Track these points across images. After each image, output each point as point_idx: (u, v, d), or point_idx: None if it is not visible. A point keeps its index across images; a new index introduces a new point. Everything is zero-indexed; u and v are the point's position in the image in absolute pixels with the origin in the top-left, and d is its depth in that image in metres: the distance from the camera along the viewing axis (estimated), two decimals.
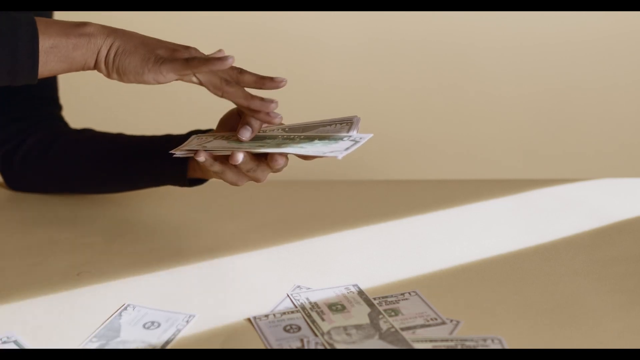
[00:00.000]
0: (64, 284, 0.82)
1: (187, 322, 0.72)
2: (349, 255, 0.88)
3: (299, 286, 0.80)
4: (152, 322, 0.72)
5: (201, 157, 0.81)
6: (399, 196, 1.11)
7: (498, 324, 0.73)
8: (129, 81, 0.80)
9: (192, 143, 0.85)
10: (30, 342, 0.70)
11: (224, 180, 0.84)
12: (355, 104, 1.82)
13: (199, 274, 0.84)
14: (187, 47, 0.82)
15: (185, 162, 0.93)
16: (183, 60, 0.79)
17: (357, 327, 0.71)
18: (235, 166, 0.82)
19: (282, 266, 0.86)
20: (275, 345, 0.69)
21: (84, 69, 0.81)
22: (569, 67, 1.98)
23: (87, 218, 1.01)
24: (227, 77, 0.81)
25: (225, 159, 0.82)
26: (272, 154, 0.80)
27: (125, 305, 0.75)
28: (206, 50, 0.83)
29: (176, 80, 0.80)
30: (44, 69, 0.79)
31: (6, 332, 0.71)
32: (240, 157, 0.79)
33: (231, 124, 0.87)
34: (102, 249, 0.91)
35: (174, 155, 0.84)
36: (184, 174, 0.94)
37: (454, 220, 1.00)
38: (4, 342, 0.70)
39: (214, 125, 0.91)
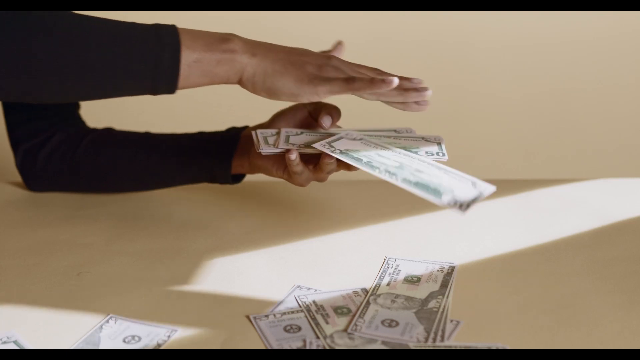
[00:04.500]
0: (64, 284, 0.82)
1: (169, 336, 0.71)
2: (349, 255, 0.88)
3: (299, 286, 0.80)
4: (133, 337, 0.71)
5: (293, 155, 0.82)
6: (399, 196, 1.11)
7: (498, 324, 0.73)
8: (279, 100, 0.81)
9: (274, 137, 0.86)
10: (30, 342, 0.70)
11: (292, 180, 0.87)
12: (355, 104, 1.82)
13: (198, 274, 0.84)
14: (329, 57, 0.82)
15: (230, 159, 0.95)
16: (342, 82, 0.79)
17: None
18: (314, 168, 0.85)
19: (282, 266, 0.86)
20: (275, 345, 0.69)
21: (225, 83, 0.81)
22: (569, 67, 1.98)
23: (87, 218, 1.01)
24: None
25: (303, 161, 0.84)
26: None
27: (107, 318, 0.74)
28: None
29: None
30: (185, 82, 0.79)
31: (6, 332, 0.71)
32: (330, 160, 0.82)
33: (296, 119, 0.89)
34: (102, 249, 0.91)
35: (263, 152, 0.85)
36: (228, 171, 0.95)
37: (454, 220, 1.00)
38: (4, 342, 0.70)
39: (229, 122, 0.92)
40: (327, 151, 0.80)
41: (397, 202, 1.07)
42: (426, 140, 0.86)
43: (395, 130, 0.89)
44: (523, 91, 2.00)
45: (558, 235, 0.93)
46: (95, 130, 1.07)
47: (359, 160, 0.79)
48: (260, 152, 0.85)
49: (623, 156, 2.00)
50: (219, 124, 1.02)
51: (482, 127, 1.98)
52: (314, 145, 0.80)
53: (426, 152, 0.83)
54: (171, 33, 0.78)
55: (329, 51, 0.89)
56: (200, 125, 1.05)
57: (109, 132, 1.06)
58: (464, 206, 0.72)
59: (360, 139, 0.83)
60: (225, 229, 0.97)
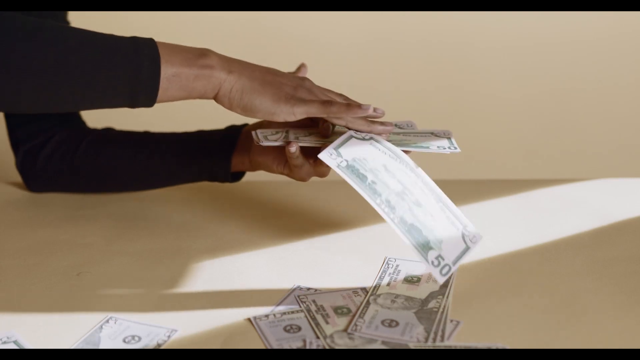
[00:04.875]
0: (64, 284, 0.82)
1: (169, 336, 0.71)
2: (349, 255, 0.88)
3: (299, 286, 0.80)
4: (133, 337, 0.71)
5: (293, 148, 0.83)
6: None
7: (498, 324, 0.73)
8: (255, 117, 0.82)
9: (276, 136, 0.86)
10: (30, 342, 0.70)
11: (293, 175, 0.88)
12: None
13: (198, 274, 0.84)
14: (302, 80, 0.84)
15: (229, 156, 0.95)
16: (320, 104, 0.80)
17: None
18: (314, 162, 0.85)
19: (282, 266, 0.86)
20: (275, 345, 0.69)
21: (201, 98, 0.82)
22: (569, 67, 1.98)
23: (87, 218, 1.01)
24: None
25: (303, 154, 0.85)
26: None
27: (107, 318, 0.74)
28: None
29: None
30: (164, 96, 0.79)
31: (6, 332, 0.71)
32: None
33: (282, 123, 0.89)
34: (102, 249, 0.91)
35: (263, 145, 0.85)
36: (228, 168, 0.96)
37: None
38: (4, 342, 0.69)
39: (228, 120, 0.93)
40: (333, 166, 0.79)
41: None
42: (435, 135, 0.87)
43: (397, 125, 0.90)
44: (523, 91, 2.00)
45: (558, 235, 0.93)
46: (95, 130, 1.07)
47: (362, 179, 0.77)
48: (261, 145, 0.85)
49: (623, 156, 2.00)
50: (218, 122, 1.02)
51: (482, 127, 1.98)
52: (319, 155, 0.80)
53: (438, 147, 0.84)
54: (150, 46, 0.78)
55: (294, 72, 0.91)
56: (200, 124, 1.06)
57: (108, 132, 1.06)
58: (444, 270, 0.74)
59: (370, 139, 0.82)
60: (225, 229, 0.97)
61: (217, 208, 1.04)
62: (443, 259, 0.75)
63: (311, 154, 0.85)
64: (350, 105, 0.80)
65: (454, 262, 0.76)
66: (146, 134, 1.03)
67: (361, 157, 0.80)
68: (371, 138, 0.82)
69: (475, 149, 1.96)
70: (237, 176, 0.99)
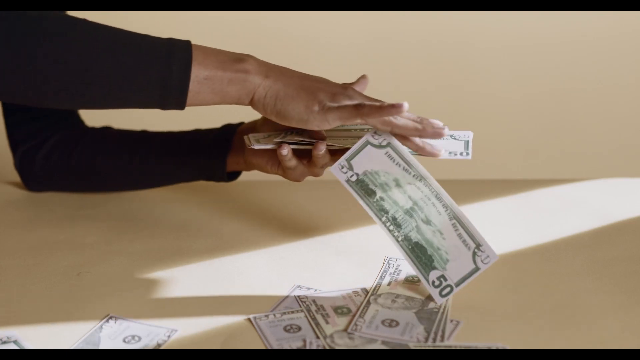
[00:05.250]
0: (64, 284, 0.82)
1: (169, 336, 0.71)
2: (349, 255, 0.88)
3: (299, 286, 0.80)
4: (133, 336, 0.71)
5: (284, 150, 0.82)
6: None
7: (498, 324, 0.73)
8: (289, 124, 0.80)
9: (267, 138, 0.85)
10: (30, 342, 0.70)
11: (287, 176, 0.87)
12: None
13: (199, 274, 0.84)
14: (345, 88, 0.81)
15: (225, 156, 0.95)
16: (352, 108, 0.77)
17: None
18: (308, 162, 0.84)
19: (282, 266, 0.86)
20: (275, 345, 0.69)
21: (236, 103, 0.81)
22: (569, 67, 1.98)
23: (87, 218, 1.01)
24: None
25: (296, 155, 0.84)
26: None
27: (107, 318, 0.74)
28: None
29: None
30: (195, 99, 0.78)
31: (6, 332, 0.71)
32: (323, 148, 0.81)
33: (276, 125, 0.87)
34: (102, 249, 0.91)
35: (254, 148, 0.84)
36: (224, 168, 0.96)
37: None
38: (4, 342, 0.69)
39: (226, 118, 0.92)
40: (342, 180, 0.77)
41: None
42: (454, 138, 0.83)
43: (451, 136, 0.85)
44: (523, 91, 2.00)
45: (558, 235, 0.93)
46: (92, 129, 1.07)
47: (370, 195, 0.76)
48: (252, 148, 0.85)
49: (623, 156, 2.00)
50: (216, 120, 1.02)
51: (482, 127, 1.98)
52: (330, 169, 0.79)
53: (450, 153, 0.79)
54: (184, 48, 0.78)
55: (352, 84, 0.88)
56: (199, 121, 1.06)
57: (106, 131, 1.06)
58: (445, 291, 0.73)
59: (387, 145, 0.78)
60: (225, 229, 0.97)
61: (217, 208, 1.04)
62: (445, 280, 0.74)
63: (304, 154, 0.85)
64: (382, 105, 0.76)
65: (458, 283, 0.74)
66: (143, 134, 1.03)
67: (373, 170, 0.78)
68: (388, 144, 0.78)
69: (475, 149, 1.95)
70: (234, 175, 0.99)
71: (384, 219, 0.75)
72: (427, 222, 0.76)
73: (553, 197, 1.07)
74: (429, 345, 0.68)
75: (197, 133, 1.00)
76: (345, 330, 0.71)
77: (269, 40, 1.91)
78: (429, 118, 0.79)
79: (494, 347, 0.67)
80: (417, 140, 0.79)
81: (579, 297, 0.77)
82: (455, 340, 0.69)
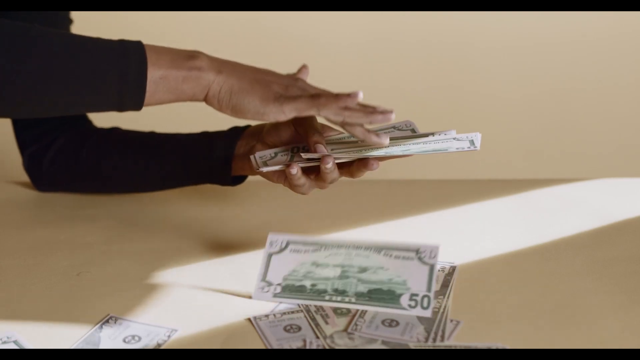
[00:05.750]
0: (64, 284, 0.82)
1: (169, 336, 0.71)
2: None
3: None
4: (133, 336, 0.71)
5: (294, 170, 0.81)
6: (399, 196, 1.11)
7: (498, 324, 0.73)
8: (245, 118, 0.80)
9: (274, 159, 0.84)
10: (30, 342, 0.70)
11: (294, 190, 0.85)
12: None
13: (198, 274, 0.84)
14: (295, 79, 0.82)
15: (230, 162, 0.94)
16: (308, 99, 0.78)
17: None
18: (315, 177, 0.83)
19: None
20: (275, 345, 0.69)
21: (191, 100, 0.81)
22: (569, 67, 1.98)
23: (87, 218, 1.01)
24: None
25: (304, 172, 0.82)
26: (367, 159, 0.80)
27: (107, 318, 0.74)
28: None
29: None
30: (152, 99, 0.79)
31: (6, 332, 0.71)
32: (330, 161, 0.79)
33: (281, 134, 0.87)
34: (102, 249, 0.91)
35: (264, 170, 0.84)
36: (229, 173, 0.94)
37: (454, 220, 1.00)
38: (4, 342, 0.69)
39: (233, 121, 0.92)
40: (269, 300, 0.76)
41: (397, 202, 1.08)
42: (457, 140, 0.82)
43: (395, 127, 0.87)
44: (523, 91, 2.00)
45: (558, 235, 0.93)
46: (100, 130, 1.07)
47: (303, 291, 0.75)
48: (261, 171, 0.84)
49: (623, 156, 2.00)
50: (223, 122, 1.02)
51: (482, 127, 1.98)
52: (252, 296, 0.77)
53: (457, 148, 0.79)
54: (137, 49, 0.78)
55: (295, 74, 0.89)
56: (206, 122, 1.05)
57: (113, 132, 1.06)
58: (425, 303, 0.72)
59: (287, 244, 0.79)
60: (225, 229, 0.97)
61: (217, 208, 1.04)
62: (417, 295, 0.72)
63: (312, 170, 0.83)
64: (338, 95, 0.77)
65: (429, 289, 0.72)
66: (150, 135, 1.02)
67: (289, 271, 0.77)
68: (288, 243, 0.78)
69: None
70: (239, 180, 0.98)
71: (327, 298, 0.75)
72: (363, 270, 0.75)
73: (553, 197, 1.07)
74: (429, 345, 0.68)
75: (204, 136, 0.98)
76: (345, 330, 0.71)
77: (269, 40, 1.91)
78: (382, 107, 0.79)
79: (494, 347, 0.67)
80: (364, 129, 0.79)
81: (579, 297, 0.77)
82: (455, 340, 0.69)
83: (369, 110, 0.78)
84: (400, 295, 0.73)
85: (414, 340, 0.69)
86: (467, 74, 1.98)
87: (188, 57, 0.80)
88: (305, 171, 0.83)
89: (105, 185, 1.06)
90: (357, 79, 1.92)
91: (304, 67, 0.90)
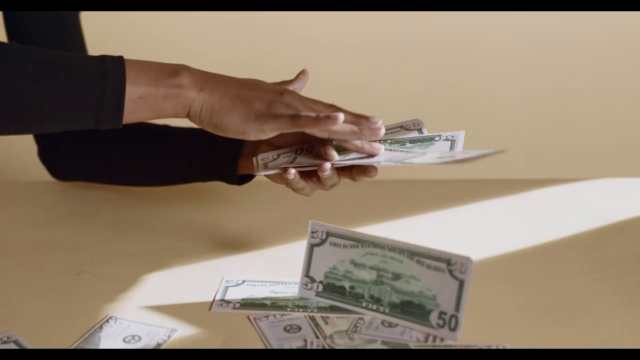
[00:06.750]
0: (64, 284, 0.82)
1: (169, 336, 0.71)
2: None
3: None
4: (133, 336, 0.71)
5: (290, 175, 0.80)
6: (399, 196, 1.11)
7: (498, 323, 0.73)
8: (227, 136, 0.80)
9: (275, 161, 0.84)
10: (30, 342, 0.70)
11: (297, 192, 0.84)
12: (355, 104, 1.82)
13: (198, 274, 0.84)
14: (282, 93, 0.80)
15: (236, 160, 0.93)
16: (288, 119, 0.76)
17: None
18: (317, 180, 0.82)
19: (282, 266, 0.86)
20: (275, 345, 0.69)
21: (174, 117, 0.80)
22: (569, 67, 1.98)
23: (87, 217, 1.01)
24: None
25: (305, 175, 0.82)
26: (366, 166, 0.79)
27: (107, 318, 0.74)
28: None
29: None
30: (131, 117, 0.78)
31: (6, 332, 0.71)
32: (327, 168, 0.79)
33: (287, 135, 0.86)
34: (102, 249, 0.91)
35: (262, 175, 0.83)
36: (235, 172, 0.94)
37: (454, 220, 1.00)
38: (4, 342, 0.70)
39: None
40: (312, 297, 0.76)
41: (397, 202, 1.08)
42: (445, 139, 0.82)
43: (402, 126, 0.85)
44: (523, 91, 2.00)
45: (558, 235, 0.93)
46: None
47: (342, 292, 0.75)
48: (258, 175, 0.84)
49: (623, 156, 2.00)
50: None
51: (481, 126, 1.98)
52: (299, 293, 0.77)
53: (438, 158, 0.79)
54: (117, 67, 0.76)
55: (291, 81, 0.86)
56: None
57: (127, 124, 1.05)
58: (452, 324, 0.69)
59: (327, 236, 0.78)
60: (225, 229, 0.97)
61: (217, 208, 1.04)
62: (445, 313, 0.70)
63: (314, 173, 0.83)
64: (318, 117, 0.75)
65: (457, 308, 0.70)
66: (162, 129, 1.02)
67: (330, 268, 0.77)
68: (327, 234, 0.78)
69: (475, 148, 1.96)
70: (246, 179, 0.97)
71: (364, 304, 0.74)
72: (397, 277, 0.73)
73: (553, 197, 1.07)
74: (429, 345, 0.68)
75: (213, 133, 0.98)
76: (345, 331, 0.71)
77: (269, 40, 1.91)
78: (370, 115, 0.79)
79: (494, 347, 0.67)
80: (357, 141, 0.79)
81: (579, 297, 0.77)
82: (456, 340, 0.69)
83: (354, 129, 0.77)
84: (429, 311, 0.71)
85: (414, 340, 0.69)
86: (467, 74, 1.98)
87: (170, 74, 0.78)
88: (307, 174, 0.83)
89: (117, 175, 1.05)
90: (357, 79, 1.92)
91: (302, 74, 0.88)
